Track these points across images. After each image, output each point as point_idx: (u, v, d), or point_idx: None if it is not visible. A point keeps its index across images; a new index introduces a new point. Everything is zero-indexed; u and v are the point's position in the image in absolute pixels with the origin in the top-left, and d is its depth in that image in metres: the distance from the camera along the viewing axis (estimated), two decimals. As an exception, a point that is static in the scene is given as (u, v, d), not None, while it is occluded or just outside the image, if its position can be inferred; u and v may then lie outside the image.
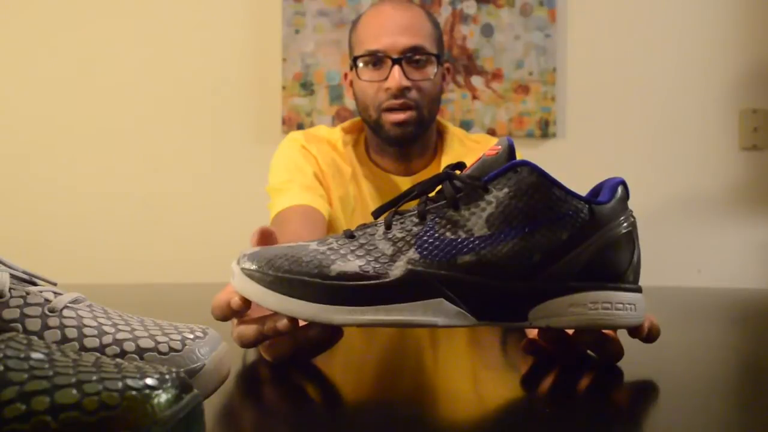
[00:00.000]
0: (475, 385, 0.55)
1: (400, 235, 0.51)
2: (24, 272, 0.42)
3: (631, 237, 0.55)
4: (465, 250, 0.50)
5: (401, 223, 0.52)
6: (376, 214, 0.54)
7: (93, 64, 2.05)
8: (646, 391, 0.50)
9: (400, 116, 1.18)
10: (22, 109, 2.06)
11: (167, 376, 0.30)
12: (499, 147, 0.53)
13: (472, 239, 0.50)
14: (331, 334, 0.54)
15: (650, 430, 0.42)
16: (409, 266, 0.49)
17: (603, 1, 2.06)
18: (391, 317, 0.49)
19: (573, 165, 2.05)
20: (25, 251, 1.91)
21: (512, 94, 2.03)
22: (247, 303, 0.52)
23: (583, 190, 0.59)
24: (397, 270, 0.49)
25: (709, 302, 1.03)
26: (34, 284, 0.42)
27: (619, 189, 0.56)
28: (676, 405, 0.46)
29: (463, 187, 0.52)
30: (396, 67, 1.16)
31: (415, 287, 0.49)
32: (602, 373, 0.55)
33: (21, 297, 0.40)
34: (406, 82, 1.17)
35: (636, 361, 0.57)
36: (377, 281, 0.49)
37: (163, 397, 0.29)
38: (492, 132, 2.01)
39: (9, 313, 0.39)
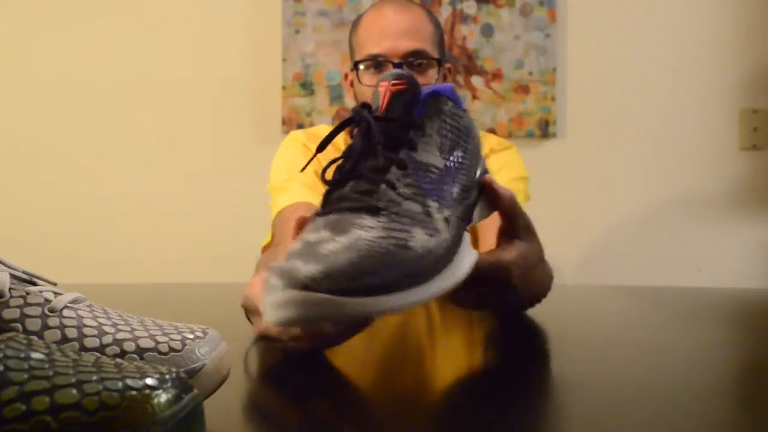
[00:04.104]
0: (473, 382, 0.55)
1: (409, 192, 0.50)
2: (24, 272, 0.42)
3: None
4: (448, 184, 0.52)
5: (396, 180, 0.50)
6: (335, 178, 0.52)
7: (93, 64, 2.05)
8: (645, 391, 0.50)
9: None
10: (22, 110, 2.06)
11: (167, 376, 0.30)
12: (404, 80, 0.54)
13: (441, 172, 0.52)
14: (352, 328, 0.55)
15: (650, 431, 0.42)
16: (443, 215, 0.50)
17: (603, 1, 2.06)
18: (463, 268, 0.50)
19: (573, 165, 2.05)
20: (25, 251, 1.91)
21: (512, 94, 2.02)
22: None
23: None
24: (441, 224, 0.49)
25: (709, 302, 1.03)
26: (34, 284, 0.42)
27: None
28: (676, 405, 0.46)
29: (401, 129, 0.52)
30: None
31: (456, 233, 0.51)
32: (602, 373, 0.55)
33: (21, 297, 0.40)
34: None
35: (636, 361, 0.57)
36: (445, 241, 0.48)
37: (163, 397, 0.29)
38: (492, 132, 2.00)
39: (9, 313, 0.39)
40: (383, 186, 0.50)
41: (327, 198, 0.51)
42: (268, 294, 0.43)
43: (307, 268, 0.42)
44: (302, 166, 1.24)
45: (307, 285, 0.41)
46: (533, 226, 0.63)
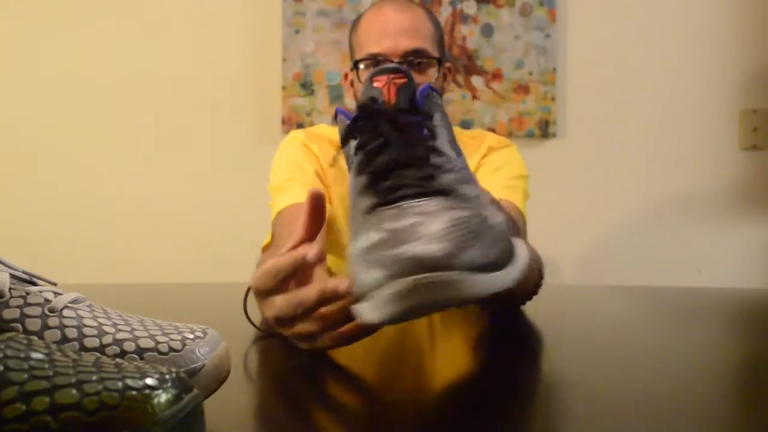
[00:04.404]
0: (472, 382, 0.55)
1: (455, 177, 0.49)
2: (24, 272, 0.42)
3: None
4: (469, 170, 0.52)
5: (439, 164, 0.49)
6: (373, 170, 0.50)
7: (93, 64, 2.05)
8: (645, 391, 0.50)
9: None
10: (23, 110, 2.06)
11: (167, 376, 0.30)
12: (403, 74, 0.53)
13: (458, 161, 0.52)
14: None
15: (650, 431, 0.42)
16: (488, 198, 0.52)
17: (603, 1, 2.06)
18: (521, 245, 0.50)
19: (573, 165, 2.05)
20: (25, 251, 1.91)
21: (512, 94, 2.02)
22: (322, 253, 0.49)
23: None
24: (492, 205, 0.49)
25: (709, 302, 1.03)
26: (34, 284, 0.42)
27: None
28: (676, 405, 0.46)
29: (417, 120, 0.52)
30: None
31: None
32: (602, 373, 0.55)
33: (21, 297, 0.40)
34: None
35: (636, 361, 0.57)
36: (506, 220, 0.49)
37: (163, 397, 0.29)
38: (492, 132, 2.00)
39: (9, 313, 0.39)
40: (437, 172, 0.48)
41: (376, 189, 0.48)
42: (375, 289, 0.39)
43: (429, 248, 0.37)
44: (302, 166, 1.24)
45: (435, 266, 0.37)
46: (518, 225, 0.63)
